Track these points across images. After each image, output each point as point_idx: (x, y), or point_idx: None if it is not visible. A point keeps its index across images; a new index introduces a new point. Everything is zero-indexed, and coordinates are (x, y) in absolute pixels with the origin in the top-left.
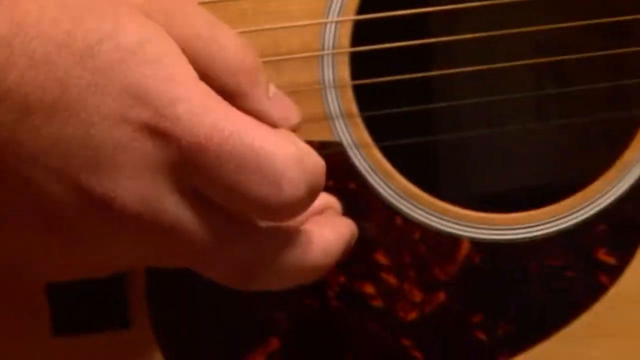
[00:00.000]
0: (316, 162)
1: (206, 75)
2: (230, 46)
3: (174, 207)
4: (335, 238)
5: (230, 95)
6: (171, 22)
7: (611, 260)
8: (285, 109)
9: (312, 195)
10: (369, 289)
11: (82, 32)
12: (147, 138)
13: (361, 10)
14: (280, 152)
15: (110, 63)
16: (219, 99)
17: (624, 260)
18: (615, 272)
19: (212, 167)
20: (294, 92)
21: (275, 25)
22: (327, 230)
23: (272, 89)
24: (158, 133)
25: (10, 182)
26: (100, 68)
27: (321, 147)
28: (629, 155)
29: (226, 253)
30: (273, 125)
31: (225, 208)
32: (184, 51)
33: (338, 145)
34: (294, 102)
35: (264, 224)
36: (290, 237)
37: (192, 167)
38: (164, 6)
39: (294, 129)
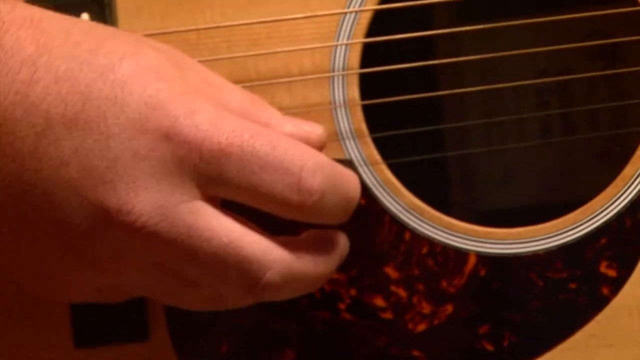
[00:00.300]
0: (334, 163)
1: None
2: (237, 89)
3: (189, 216)
4: (335, 248)
5: None
6: (185, 71)
7: (613, 273)
8: (305, 123)
9: (336, 190)
10: (379, 301)
11: (104, 51)
12: (166, 147)
13: (370, 32)
14: (297, 149)
15: (130, 77)
16: (228, 111)
17: (626, 273)
18: (617, 284)
19: (236, 170)
20: (305, 112)
21: (287, 48)
22: (329, 239)
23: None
24: (178, 141)
25: (29, 197)
26: (120, 81)
27: None
28: (628, 171)
29: (237, 263)
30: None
31: (239, 218)
32: None
33: (349, 162)
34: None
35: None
36: (297, 246)
37: (214, 172)
38: (177, 58)
39: (322, 145)
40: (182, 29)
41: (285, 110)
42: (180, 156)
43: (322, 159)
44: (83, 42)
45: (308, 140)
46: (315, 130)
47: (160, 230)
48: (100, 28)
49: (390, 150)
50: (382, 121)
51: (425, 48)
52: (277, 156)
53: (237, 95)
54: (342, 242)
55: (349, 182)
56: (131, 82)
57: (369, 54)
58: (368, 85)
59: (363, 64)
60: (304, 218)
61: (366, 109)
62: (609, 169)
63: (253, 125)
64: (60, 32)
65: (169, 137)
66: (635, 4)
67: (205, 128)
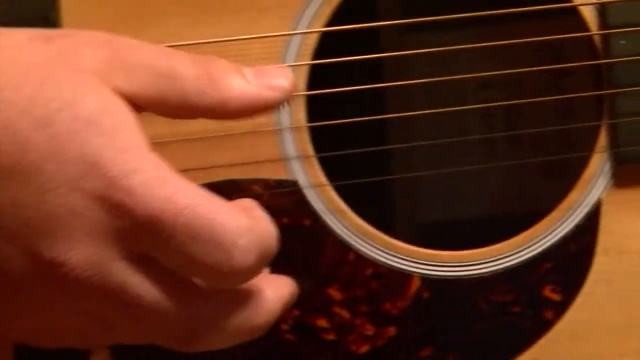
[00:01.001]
0: (267, 230)
1: (181, 106)
2: (190, 70)
3: (122, 273)
4: (276, 298)
5: (214, 112)
6: (132, 73)
7: (557, 297)
8: (268, 74)
9: (263, 261)
10: (322, 322)
11: (43, 100)
12: (101, 207)
13: (318, 52)
14: (232, 223)
15: (68, 133)
16: (172, 171)
17: (569, 298)
18: (561, 309)
19: (167, 238)
20: (251, 133)
21: None
22: (269, 291)
23: (250, 73)
24: (112, 204)
25: None
26: (58, 137)
27: (277, 186)
28: (574, 195)
29: (172, 317)
30: (265, 99)
31: (173, 273)
32: (152, 93)
33: (293, 183)
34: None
35: (209, 287)
36: (234, 300)
37: (146, 236)
38: (121, 58)
39: (288, 96)
40: None
41: (232, 131)
42: (114, 217)
43: (256, 233)
44: (22, 85)
45: (274, 96)
46: (281, 81)
47: (91, 284)
48: (41, 66)
49: (336, 171)
50: (328, 143)
51: (373, 67)
52: (210, 230)
53: (188, 81)
54: (287, 291)
55: (274, 245)
56: (69, 138)
57: (317, 74)
58: (315, 107)
59: (310, 84)
60: (231, 287)
61: (313, 131)
62: (556, 189)
63: (190, 190)
64: None
65: (104, 198)
66: (574, 14)
67: (140, 192)
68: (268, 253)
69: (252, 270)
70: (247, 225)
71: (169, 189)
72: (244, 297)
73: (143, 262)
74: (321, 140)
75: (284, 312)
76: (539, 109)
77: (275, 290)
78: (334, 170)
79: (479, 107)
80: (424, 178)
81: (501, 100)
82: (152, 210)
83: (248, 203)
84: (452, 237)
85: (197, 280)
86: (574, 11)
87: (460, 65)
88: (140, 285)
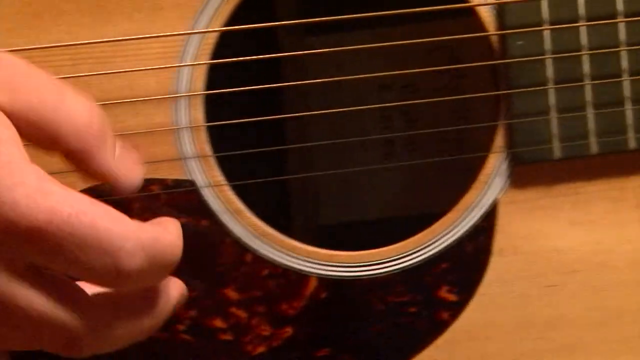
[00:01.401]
0: (165, 237)
1: (54, 141)
2: (76, 110)
3: (5, 285)
4: (165, 301)
5: (77, 158)
6: (17, 95)
7: (452, 297)
8: (129, 169)
9: (156, 266)
10: (219, 323)
11: None
12: None
13: (217, 51)
14: (117, 227)
15: None
16: (54, 181)
17: (465, 298)
18: (456, 309)
19: (54, 247)
20: (149, 133)
21: (131, 68)
22: (158, 294)
23: (118, 150)
24: None
25: None
26: None
27: (175, 186)
28: (470, 196)
29: (58, 325)
30: (117, 183)
31: (59, 282)
32: (32, 119)
33: (191, 183)
34: (139, 156)
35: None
36: (122, 304)
37: (32, 247)
38: (9, 79)
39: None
40: (26, 47)
41: (129, 131)
42: None
43: (143, 237)
44: None
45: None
46: (134, 180)
47: None
48: None
49: (235, 172)
50: (228, 143)
51: (272, 68)
52: (95, 236)
53: (74, 118)
54: (177, 293)
55: (171, 252)
56: None
57: (215, 74)
58: (214, 107)
59: (209, 84)
60: (123, 288)
61: (211, 131)
62: (452, 184)
63: (74, 198)
64: None
65: None
66: (471, 15)
67: (24, 204)
68: (163, 258)
69: (145, 273)
70: (134, 230)
71: (53, 199)
72: (132, 302)
73: (28, 273)
74: (220, 140)
75: (173, 313)
76: (437, 110)
77: (164, 293)
78: (233, 170)
79: (376, 108)
80: (324, 179)
81: (400, 105)
82: (36, 221)
83: (164, 219)
84: (352, 238)
85: (86, 286)
86: (472, 12)
87: (358, 66)
88: (25, 297)
